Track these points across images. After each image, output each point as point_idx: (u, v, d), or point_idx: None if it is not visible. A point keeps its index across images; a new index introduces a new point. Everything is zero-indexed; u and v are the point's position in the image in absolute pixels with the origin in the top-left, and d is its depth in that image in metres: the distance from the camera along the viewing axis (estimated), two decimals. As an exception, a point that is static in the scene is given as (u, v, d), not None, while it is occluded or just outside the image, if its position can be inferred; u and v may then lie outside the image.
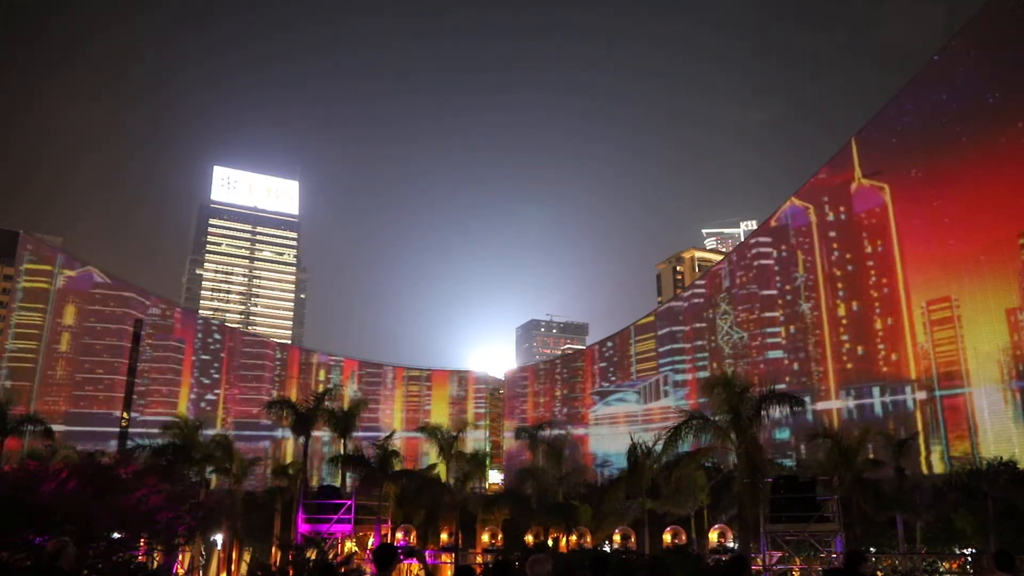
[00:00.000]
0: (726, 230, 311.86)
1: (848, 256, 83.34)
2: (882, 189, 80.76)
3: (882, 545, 47.48)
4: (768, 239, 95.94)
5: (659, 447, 41.73)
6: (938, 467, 69.46)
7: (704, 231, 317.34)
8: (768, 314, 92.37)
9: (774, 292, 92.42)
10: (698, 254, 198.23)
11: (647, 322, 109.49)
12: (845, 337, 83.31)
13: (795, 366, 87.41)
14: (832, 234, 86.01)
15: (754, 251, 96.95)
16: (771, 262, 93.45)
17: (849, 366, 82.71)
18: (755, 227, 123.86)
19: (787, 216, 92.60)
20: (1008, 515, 41.13)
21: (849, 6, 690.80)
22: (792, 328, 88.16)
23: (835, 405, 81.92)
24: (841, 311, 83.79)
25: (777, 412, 37.18)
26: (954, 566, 47.64)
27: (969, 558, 45.94)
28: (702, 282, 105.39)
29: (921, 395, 74.32)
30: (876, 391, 78.65)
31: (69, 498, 26.55)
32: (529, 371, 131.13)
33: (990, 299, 69.89)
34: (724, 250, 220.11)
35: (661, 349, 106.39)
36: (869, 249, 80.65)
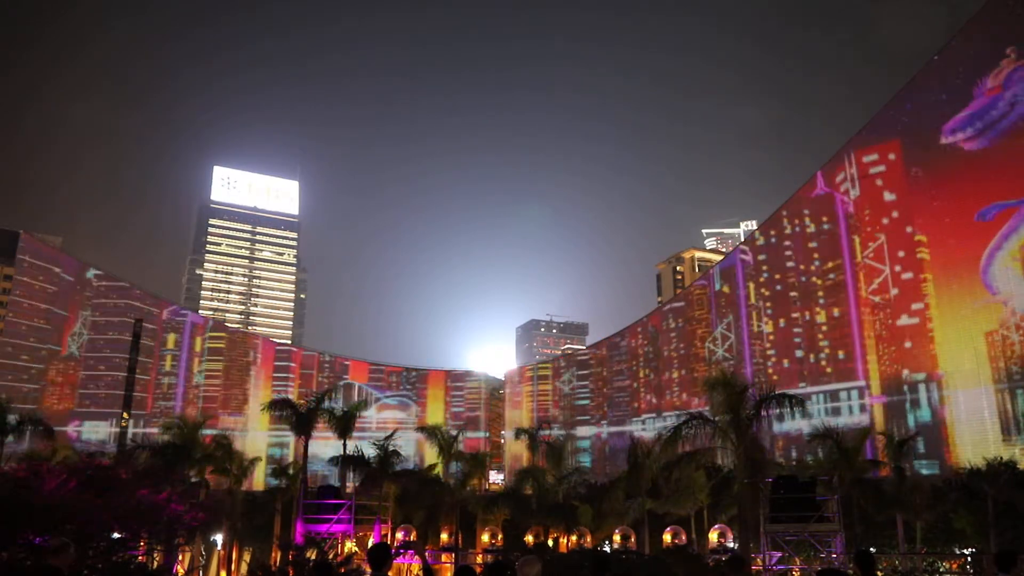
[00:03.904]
0: (726, 230, 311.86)
1: (842, 259, 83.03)
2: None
3: (882, 545, 47.47)
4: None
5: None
6: (936, 468, 69.37)
7: (704, 231, 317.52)
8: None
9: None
10: (698, 254, 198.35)
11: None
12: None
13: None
14: (813, 244, 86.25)
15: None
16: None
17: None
18: (755, 227, 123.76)
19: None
20: (1008, 515, 41.10)
21: (850, 5, 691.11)
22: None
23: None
24: (825, 317, 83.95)
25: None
26: (954, 566, 47.63)
27: (969, 558, 45.95)
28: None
29: (916, 395, 74.27)
30: (872, 392, 78.53)
31: (69, 498, 26.52)
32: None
33: (990, 299, 69.80)
34: (724, 250, 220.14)
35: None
36: (865, 251, 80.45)
